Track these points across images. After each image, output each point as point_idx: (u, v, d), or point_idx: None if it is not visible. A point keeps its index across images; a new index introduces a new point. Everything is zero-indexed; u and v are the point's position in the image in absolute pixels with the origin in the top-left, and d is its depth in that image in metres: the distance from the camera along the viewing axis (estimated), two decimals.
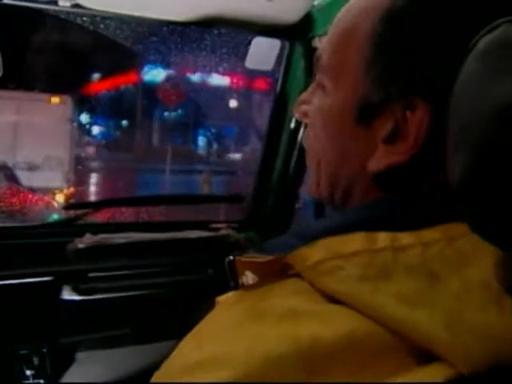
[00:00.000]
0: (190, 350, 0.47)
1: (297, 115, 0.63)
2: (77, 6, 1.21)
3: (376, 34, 0.51)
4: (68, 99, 5.31)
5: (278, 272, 0.49)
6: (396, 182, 0.52)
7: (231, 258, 0.55)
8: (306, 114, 0.60)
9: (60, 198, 4.62)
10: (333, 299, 0.45)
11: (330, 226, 0.52)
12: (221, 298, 0.58)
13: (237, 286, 0.54)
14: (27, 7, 1.30)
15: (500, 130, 0.36)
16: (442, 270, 0.44)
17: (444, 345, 0.41)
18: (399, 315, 0.42)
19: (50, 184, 4.70)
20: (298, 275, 0.48)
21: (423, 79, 0.49)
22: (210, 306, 0.56)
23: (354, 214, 0.53)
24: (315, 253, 0.47)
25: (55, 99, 5.22)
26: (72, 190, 5.05)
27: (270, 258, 0.50)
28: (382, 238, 0.46)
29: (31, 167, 4.76)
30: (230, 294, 0.56)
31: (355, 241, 0.46)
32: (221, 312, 0.52)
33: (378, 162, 0.51)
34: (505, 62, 0.38)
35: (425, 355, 0.42)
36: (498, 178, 0.37)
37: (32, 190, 4.04)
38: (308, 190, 0.62)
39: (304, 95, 0.62)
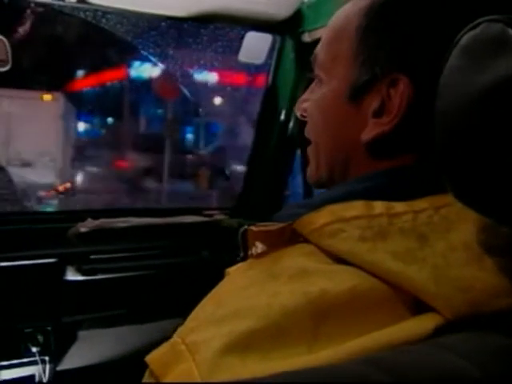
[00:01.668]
0: (212, 306, 0.53)
1: (298, 113, 0.72)
2: (82, 1, 1.28)
3: (361, 27, 0.61)
4: (60, 96, 5.42)
5: (287, 240, 0.56)
6: (385, 150, 0.60)
7: (245, 227, 0.61)
8: (305, 110, 0.69)
9: (50, 195, 4.56)
10: (337, 259, 0.52)
11: (333, 196, 0.60)
12: (231, 269, 0.63)
13: (245, 257, 0.61)
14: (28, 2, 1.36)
15: (477, 114, 0.44)
16: (430, 233, 0.52)
17: (431, 295, 0.48)
18: (394, 269, 0.49)
19: (43, 180, 4.71)
20: (305, 241, 0.55)
21: (402, 57, 0.58)
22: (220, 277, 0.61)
23: (354, 185, 0.61)
24: (321, 217, 0.53)
25: (47, 97, 5.34)
26: (65, 186, 5.04)
27: (280, 225, 0.57)
28: (379, 206, 0.54)
29: (24, 164, 4.81)
30: (239, 264, 0.62)
31: (355, 207, 0.54)
32: (236, 276, 0.59)
33: (368, 133, 0.60)
34: (483, 58, 0.45)
35: (418, 305, 0.49)
36: (474, 152, 0.45)
37: (25, 186, 4.08)
38: (308, 177, 0.70)
39: (303, 95, 0.71)
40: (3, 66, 1.29)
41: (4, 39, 1.29)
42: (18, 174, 4.46)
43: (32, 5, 1.33)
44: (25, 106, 5.27)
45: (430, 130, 0.49)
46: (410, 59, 0.57)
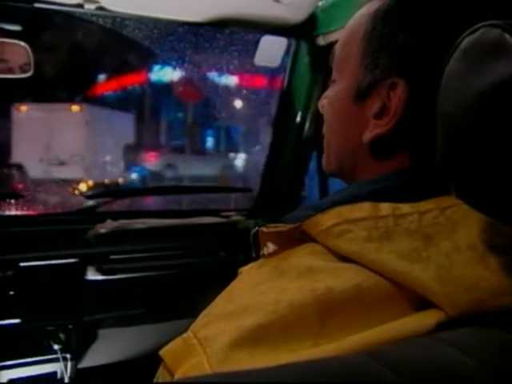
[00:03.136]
0: (223, 302, 0.55)
1: (320, 109, 0.75)
2: (100, 8, 1.31)
3: (367, 32, 0.63)
4: (85, 106, 6.68)
5: (296, 240, 0.58)
6: (384, 150, 0.62)
7: (256, 228, 0.63)
8: (323, 107, 0.72)
9: (83, 187, 6.07)
10: (343, 258, 0.53)
11: (340, 198, 0.61)
12: (243, 268, 0.65)
13: (257, 257, 0.63)
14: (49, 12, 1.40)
15: (475, 116, 0.46)
16: (435, 234, 0.53)
17: (435, 293, 0.49)
18: (399, 269, 0.50)
19: (74, 176, 6.06)
20: (313, 241, 0.56)
21: (401, 62, 0.60)
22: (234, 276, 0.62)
23: (361, 187, 0.63)
24: (328, 219, 0.55)
25: (75, 107, 6.58)
26: (92, 181, 6.34)
27: (290, 226, 0.58)
28: (385, 207, 0.55)
29: (61, 163, 6.22)
30: (252, 264, 0.63)
31: (362, 209, 0.55)
32: (248, 273, 0.61)
33: (369, 133, 0.62)
34: (481, 61, 0.46)
35: (422, 303, 0.50)
36: (475, 153, 0.46)
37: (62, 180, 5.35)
38: (323, 168, 0.73)
39: (325, 92, 0.73)
40: (26, 72, 1.33)
41: (26, 45, 1.33)
42: (57, 171, 5.99)
43: (52, 13, 1.36)
44: (58, 116, 6.56)
45: (429, 131, 0.51)
46: (407, 65, 0.59)
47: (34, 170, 5.75)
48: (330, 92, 0.71)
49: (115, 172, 6.96)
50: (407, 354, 0.45)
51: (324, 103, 0.72)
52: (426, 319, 0.49)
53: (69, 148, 6.37)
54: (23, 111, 6.39)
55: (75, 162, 6.27)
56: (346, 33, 0.68)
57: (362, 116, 0.63)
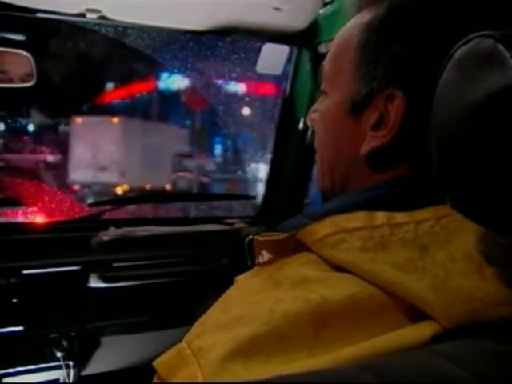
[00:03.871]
0: (218, 313, 0.54)
1: (309, 123, 0.75)
2: (103, 17, 1.32)
3: (361, 43, 0.62)
4: (123, 118, 7.72)
5: (291, 249, 0.57)
6: (382, 162, 0.61)
7: (250, 237, 0.62)
8: (314, 121, 0.72)
9: (119, 191, 7.04)
10: (338, 268, 0.53)
11: (335, 207, 0.61)
12: (239, 277, 0.64)
13: (253, 265, 0.63)
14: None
15: (469, 126, 0.45)
16: (431, 243, 0.53)
17: (430, 304, 0.49)
18: (394, 279, 0.50)
19: (112, 180, 7.15)
20: (308, 250, 0.56)
21: (397, 73, 0.59)
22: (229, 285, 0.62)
23: (356, 196, 0.62)
24: (323, 228, 0.55)
25: (115, 120, 7.63)
26: (126, 185, 7.18)
27: (285, 235, 0.58)
28: (380, 217, 0.55)
29: (103, 168, 7.17)
30: (247, 272, 0.63)
31: (357, 218, 0.55)
32: (243, 282, 0.60)
33: (366, 146, 0.61)
34: (475, 71, 0.46)
35: (417, 314, 0.50)
36: (469, 163, 0.46)
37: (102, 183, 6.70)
38: (319, 187, 0.72)
39: (314, 106, 0.73)
40: (29, 81, 1.34)
41: (29, 55, 1.34)
42: (99, 175, 7.04)
43: (55, 22, 1.37)
44: (102, 127, 7.53)
45: (426, 141, 0.51)
46: (404, 75, 0.59)
47: (84, 174, 6.99)
48: (320, 105, 0.70)
49: (148, 177, 7.64)
50: (401, 366, 0.45)
51: (314, 117, 0.71)
52: (421, 331, 0.49)
53: (108, 155, 7.31)
54: (76, 123, 7.55)
55: (113, 168, 7.23)
56: (336, 45, 0.67)
57: (358, 128, 0.62)
